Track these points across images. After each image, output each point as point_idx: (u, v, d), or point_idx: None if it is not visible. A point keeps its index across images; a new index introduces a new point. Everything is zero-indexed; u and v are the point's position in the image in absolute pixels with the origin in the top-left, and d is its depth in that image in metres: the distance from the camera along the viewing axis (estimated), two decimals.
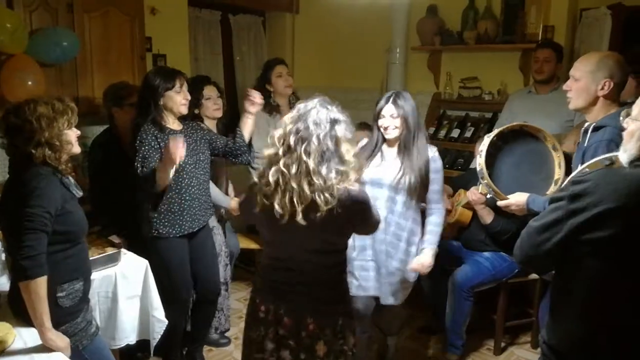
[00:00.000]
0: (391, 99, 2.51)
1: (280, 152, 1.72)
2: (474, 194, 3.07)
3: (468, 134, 4.29)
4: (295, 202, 1.67)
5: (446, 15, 4.41)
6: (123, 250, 2.53)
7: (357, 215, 1.78)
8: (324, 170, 1.68)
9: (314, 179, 1.67)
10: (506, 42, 4.03)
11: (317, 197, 1.67)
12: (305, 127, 1.71)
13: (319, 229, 1.72)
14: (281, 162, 1.71)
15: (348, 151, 1.73)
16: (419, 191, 2.53)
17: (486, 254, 3.21)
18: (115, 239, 2.69)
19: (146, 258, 2.52)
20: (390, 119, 2.51)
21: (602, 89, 2.11)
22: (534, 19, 3.90)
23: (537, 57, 3.54)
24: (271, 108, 3.42)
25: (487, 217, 3.13)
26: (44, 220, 1.78)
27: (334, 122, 1.74)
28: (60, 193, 1.87)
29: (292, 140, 1.71)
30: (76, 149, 2.00)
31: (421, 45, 4.53)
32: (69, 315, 1.93)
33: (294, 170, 1.68)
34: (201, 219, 2.68)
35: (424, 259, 2.57)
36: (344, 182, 1.70)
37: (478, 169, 2.32)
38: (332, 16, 4.58)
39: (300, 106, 1.78)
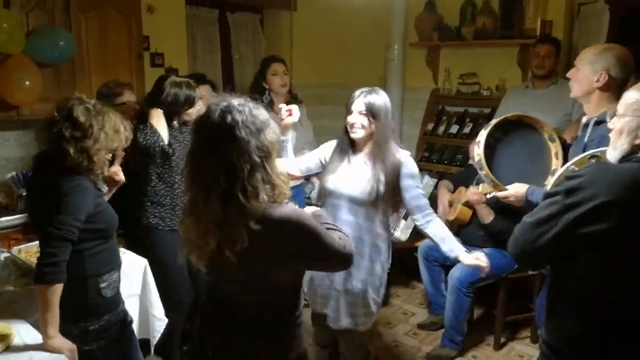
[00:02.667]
0: (362, 94, 2.25)
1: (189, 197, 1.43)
2: (475, 194, 3.06)
3: (467, 130, 4.28)
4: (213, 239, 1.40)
5: (444, 10, 4.40)
6: (122, 250, 2.52)
7: (292, 242, 1.42)
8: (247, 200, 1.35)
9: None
10: (504, 37, 4.03)
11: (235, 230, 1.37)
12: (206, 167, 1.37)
13: (249, 260, 1.41)
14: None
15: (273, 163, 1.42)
16: (386, 203, 2.27)
17: (486, 250, 3.20)
18: None
19: (144, 254, 2.53)
20: (357, 116, 2.24)
21: (598, 80, 2.10)
22: (532, 13, 3.90)
23: (537, 53, 3.53)
24: (265, 106, 3.42)
25: (487, 216, 3.13)
26: (72, 229, 1.79)
27: (231, 137, 1.36)
28: (93, 197, 1.89)
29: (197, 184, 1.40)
30: (104, 172, 1.98)
31: (419, 41, 4.52)
32: (111, 305, 1.99)
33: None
34: None
35: (475, 259, 2.26)
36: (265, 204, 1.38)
37: (476, 159, 2.32)
38: (330, 13, 4.56)
39: (194, 135, 1.44)
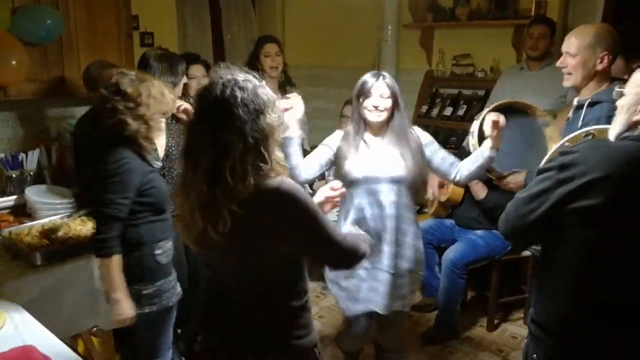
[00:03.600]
0: (381, 76, 2.24)
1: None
2: None
3: (461, 112, 4.25)
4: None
5: None
6: None
7: (279, 216, 1.36)
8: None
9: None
10: (499, 18, 3.97)
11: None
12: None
13: (246, 239, 1.36)
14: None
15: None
16: (419, 180, 2.30)
17: (479, 232, 3.22)
18: None
19: None
20: (379, 99, 2.21)
21: (602, 62, 2.09)
22: None
23: (531, 34, 3.50)
24: None
25: (481, 192, 3.13)
26: (120, 207, 1.92)
27: (228, 113, 1.32)
28: (141, 175, 1.99)
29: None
30: (163, 137, 2.18)
31: (413, 22, 4.47)
32: (164, 272, 2.09)
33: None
34: None
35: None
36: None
37: (472, 149, 2.31)
38: None
39: (194, 106, 1.43)
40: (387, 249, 2.24)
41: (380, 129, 2.29)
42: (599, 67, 2.10)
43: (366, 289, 2.27)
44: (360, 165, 2.24)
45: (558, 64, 2.26)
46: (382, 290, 2.25)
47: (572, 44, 2.18)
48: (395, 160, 2.24)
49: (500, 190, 2.97)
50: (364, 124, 2.29)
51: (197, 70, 3.04)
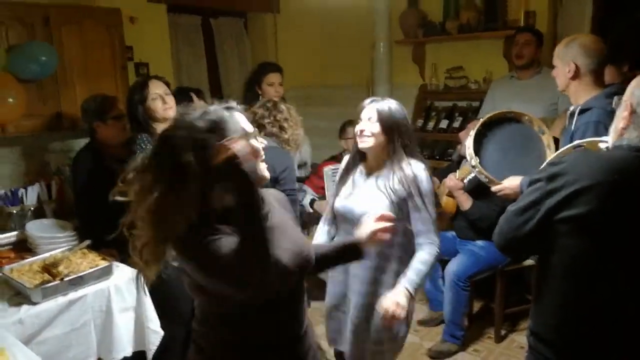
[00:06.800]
0: (373, 102, 2.08)
1: None
2: (451, 179, 3.07)
3: (456, 124, 4.28)
4: None
5: (427, 6, 4.39)
6: (115, 263, 2.50)
7: None
8: None
9: None
10: (488, 30, 4.02)
11: None
12: None
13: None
14: None
15: None
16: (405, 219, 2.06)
17: (480, 242, 3.20)
18: (106, 252, 2.66)
19: None
20: (366, 122, 2.04)
21: (569, 72, 2.18)
22: (515, 5, 3.90)
23: (517, 41, 3.55)
24: None
25: (466, 203, 3.11)
26: None
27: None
28: None
29: None
30: None
31: (405, 38, 4.51)
32: None
33: None
34: None
35: (396, 297, 1.93)
36: None
37: (468, 158, 2.33)
38: (313, 14, 4.56)
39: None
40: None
41: (375, 162, 2.11)
42: (569, 75, 2.19)
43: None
44: (341, 200, 2.14)
45: (552, 73, 2.32)
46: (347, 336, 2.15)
47: (554, 54, 2.27)
48: (374, 199, 2.04)
49: (486, 201, 2.98)
50: (358, 156, 2.16)
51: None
